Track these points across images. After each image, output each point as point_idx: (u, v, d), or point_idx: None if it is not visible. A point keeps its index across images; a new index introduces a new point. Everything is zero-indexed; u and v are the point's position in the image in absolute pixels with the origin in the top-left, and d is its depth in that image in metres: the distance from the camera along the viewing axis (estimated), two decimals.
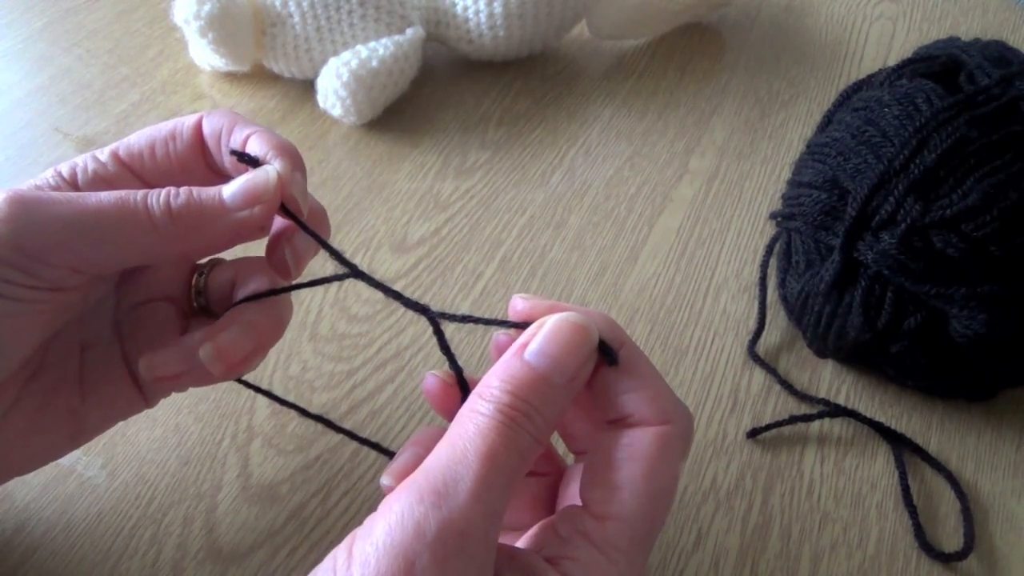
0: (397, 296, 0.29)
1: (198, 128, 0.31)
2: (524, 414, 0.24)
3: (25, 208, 0.26)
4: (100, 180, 0.30)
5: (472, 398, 0.24)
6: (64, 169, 0.30)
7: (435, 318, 0.28)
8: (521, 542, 0.26)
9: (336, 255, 0.30)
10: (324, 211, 0.33)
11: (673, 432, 0.25)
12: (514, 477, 0.23)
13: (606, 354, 0.26)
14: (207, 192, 0.28)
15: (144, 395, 0.33)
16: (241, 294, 0.32)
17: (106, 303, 0.32)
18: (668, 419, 0.26)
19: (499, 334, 0.29)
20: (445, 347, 0.28)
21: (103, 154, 0.30)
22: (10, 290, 0.26)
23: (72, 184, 0.30)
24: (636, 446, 0.25)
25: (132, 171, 0.31)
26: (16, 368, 0.29)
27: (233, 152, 0.30)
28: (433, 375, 0.29)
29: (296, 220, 0.30)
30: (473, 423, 0.23)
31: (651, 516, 0.25)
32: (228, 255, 0.36)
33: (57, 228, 0.26)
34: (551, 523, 0.26)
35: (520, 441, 0.23)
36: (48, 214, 0.26)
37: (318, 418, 0.35)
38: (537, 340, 0.25)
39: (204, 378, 0.30)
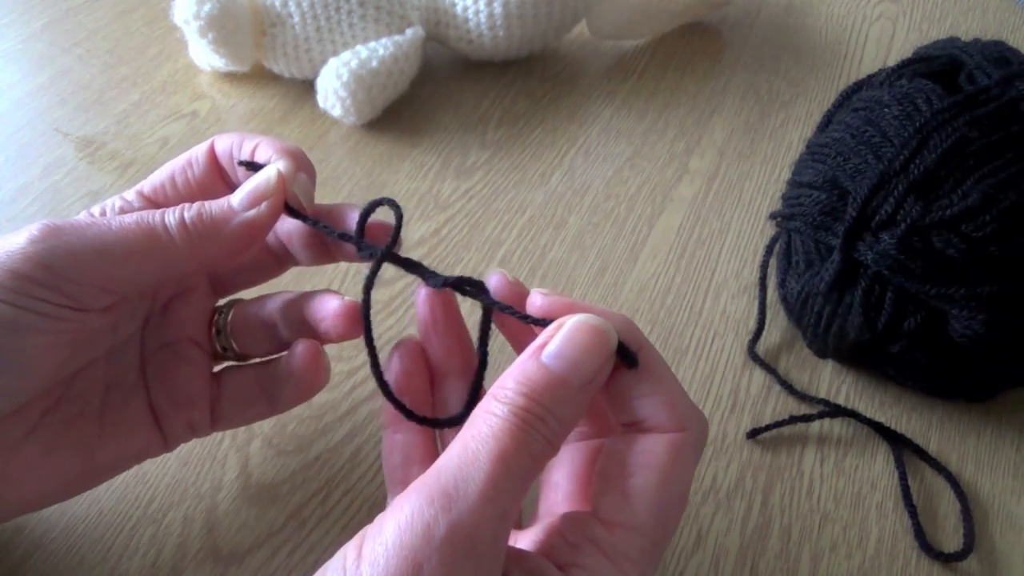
0: (458, 284, 0.29)
1: (211, 151, 0.33)
2: (538, 417, 0.23)
3: (54, 231, 0.27)
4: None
5: (487, 399, 0.24)
6: (95, 210, 0.31)
7: (491, 305, 0.28)
8: (528, 544, 0.26)
9: (358, 242, 0.30)
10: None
11: (687, 440, 0.25)
12: (526, 481, 0.23)
13: (626, 357, 0.25)
14: (217, 201, 0.30)
15: (164, 437, 0.33)
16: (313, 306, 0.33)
17: (132, 344, 0.33)
18: (683, 426, 0.25)
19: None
20: (486, 330, 0.28)
21: (129, 194, 0.32)
22: (39, 306, 0.27)
23: None
24: (650, 453, 0.25)
25: (156, 204, 0.32)
26: (38, 390, 0.29)
27: (241, 163, 0.31)
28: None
29: (302, 218, 0.31)
30: (487, 424, 0.23)
31: (662, 526, 0.25)
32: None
33: (83, 248, 0.28)
34: (558, 526, 0.26)
35: (533, 445, 0.23)
36: (75, 236, 0.28)
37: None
38: (555, 342, 0.24)
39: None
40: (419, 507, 0.22)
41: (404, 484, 0.30)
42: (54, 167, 0.52)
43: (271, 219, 0.30)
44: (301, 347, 0.32)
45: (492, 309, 0.28)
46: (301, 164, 0.31)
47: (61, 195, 0.50)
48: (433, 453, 0.31)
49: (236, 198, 0.30)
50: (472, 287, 0.28)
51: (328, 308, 0.32)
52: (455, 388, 0.31)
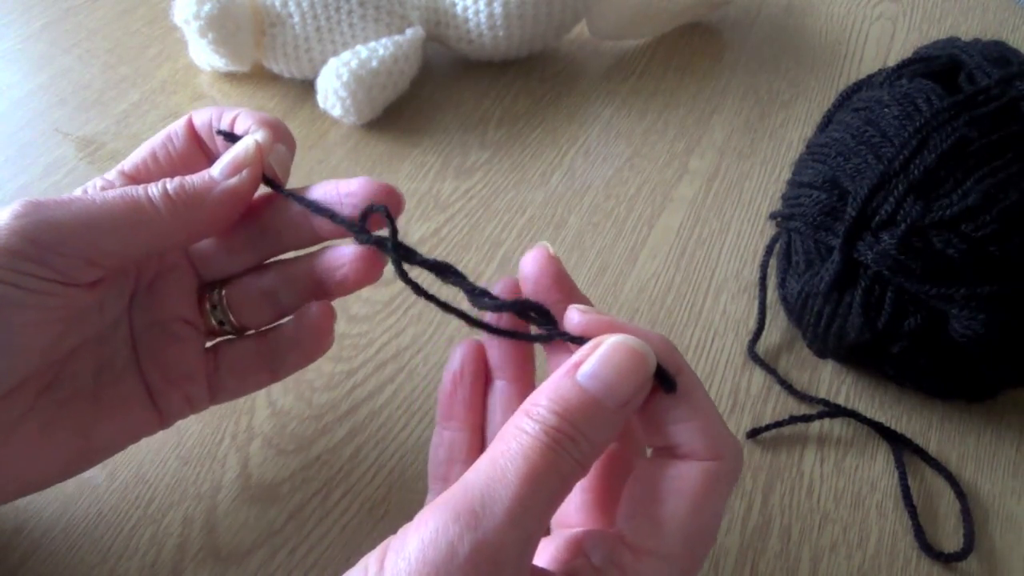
0: (521, 309, 0.27)
1: (190, 125, 0.33)
2: (570, 438, 0.23)
3: (37, 206, 0.28)
4: None
5: (518, 415, 0.24)
6: (76, 192, 0.31)
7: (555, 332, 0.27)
8: (548, 561, 0.25)
9: (360, 232, 0.30)
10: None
11: (722, 469, 0.25)
12: (554, 502, 0.23)
13: (664, 381, 0.25)
14: (198, 174, 0.31)
15: (160, 414, 0.33)
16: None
17: (120, 325, 0.33)
18: (719, 454, 0.25)
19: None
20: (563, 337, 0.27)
21: (110, 174, 0.32)
22: (25, 281, 0.27)
23: None
24: (683, 480, 0.24)
25: (138, 182, 0.32)
26: (30, 370, 0.29)
27: (219, 132, 0.32)
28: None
29: (278, 188, 0.32)
30: (517, 442, 0.23)
31: (691, 556, 0.24)
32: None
33: (69, 220, 0.28)
34: (582, 545, 0.25)
35: (563, 465, 0.23)
36: (60, 209, 0.28)
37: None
38: (591, 362, 0.24)
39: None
40: (444, 523, 0.21)
41: (445, 481, 0.30)
42: (54, 167, 0.52)
43: (251, 187, 0.31)
44: (316, 307, 0.32)
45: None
46: (279, 135, 0.32)
47: (61, 195, 0.50)
48: (477, 453, 0.30)
49: (216, 168, 0.30)
50: (513, 308, 0.27)
51: (343, 255, 0.32)
52: (505, 390, 0.31)
